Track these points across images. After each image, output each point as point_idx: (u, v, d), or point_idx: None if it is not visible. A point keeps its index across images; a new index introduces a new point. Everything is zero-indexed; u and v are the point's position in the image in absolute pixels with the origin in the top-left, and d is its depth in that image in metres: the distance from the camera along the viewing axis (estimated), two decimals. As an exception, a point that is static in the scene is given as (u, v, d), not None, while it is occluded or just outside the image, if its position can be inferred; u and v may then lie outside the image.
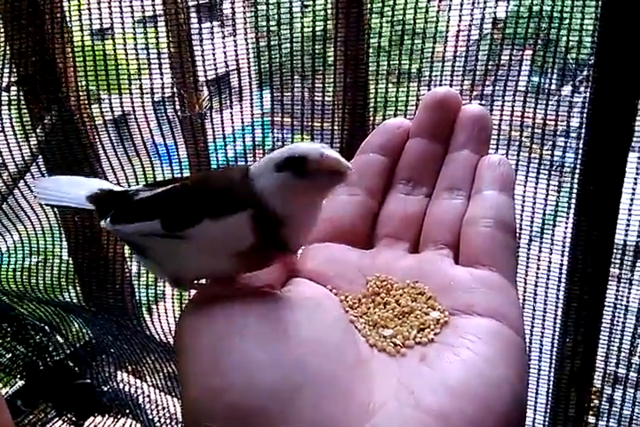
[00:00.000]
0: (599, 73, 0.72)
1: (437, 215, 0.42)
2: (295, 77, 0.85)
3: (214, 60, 0.85)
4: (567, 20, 0.72)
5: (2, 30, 0.83)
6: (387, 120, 0.46)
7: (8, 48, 0.84)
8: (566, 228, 0.80)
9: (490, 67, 0.78)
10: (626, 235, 0.78)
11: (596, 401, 0.89)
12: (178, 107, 0.89)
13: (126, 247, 1.03)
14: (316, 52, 0.83)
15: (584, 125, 0.75)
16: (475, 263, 0.39)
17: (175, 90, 0.87)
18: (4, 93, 0.87)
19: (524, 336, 0.37)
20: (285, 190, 0.36)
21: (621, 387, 0.87)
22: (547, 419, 0.90)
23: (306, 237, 0.39)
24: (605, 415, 0.88)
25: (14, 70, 0.86)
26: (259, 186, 0.36)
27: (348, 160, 0.45)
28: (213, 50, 0.85)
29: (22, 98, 0.89)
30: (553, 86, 0.77)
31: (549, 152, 0.80)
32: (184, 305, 0.41)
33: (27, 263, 1.04)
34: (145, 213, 0.39)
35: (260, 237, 0.36)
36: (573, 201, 0.78)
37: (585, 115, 0.75)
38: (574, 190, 0.78)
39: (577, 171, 0.77)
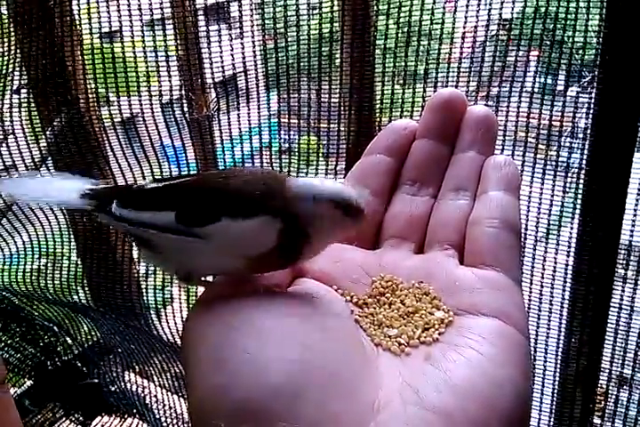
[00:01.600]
0: (604, 73, 0.72)
1: (443, 216, 0.42)
2: (302, 79, 0.85)
3: (222, 62, 0.85)
4: (573, 21, 0.72)
5: (12, 33, 0.84)
6: (393, 121, 0.47)
7: (18, 51, 0.84)
8: (572, 228, 0.80)
9: (496, 68, 0.78)
10: (631, 235, 0.77)
11: (602, 402, 0.88)
12: (186, 109, 0.89)
13: (134, 248, 1.03)
14: (323, 53, 0.83)
15: (590, 126, 0.75)
16: (479, 264, 0.39)
17: (183, 92, 0.88)
18: (14, 96, 0.87)
19: (529, 336, 0.37)
20: (330, 222, 0.38)
21: (627, 388, 0.86)
22: (552, 420, 0.90)
23: (319, 253, 0.40)
24: (611, 417, 0.88)
25: (24, 73, 0.87)
26: (301, 205, 0.37)
27: (355, 156, 0.46)
28: (221, 52, 0.85)
29: (32, 100, 0.90)
30: (559, 87, 0.77)
31: (555, 153, 0.80)
32: (193, 302, 0.42)
33: (36, 265, 1.04)
34: (158, 202, 0.39)
35: (280, 245, 0.36)
36: (579, 201, 0.78)
37: (591, 115, 0.75)
38: (580, 191, 0.78)
39: (583, 171, 0.77)
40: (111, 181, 0.94)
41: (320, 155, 0.93)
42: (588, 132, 0.75)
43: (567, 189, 0.80)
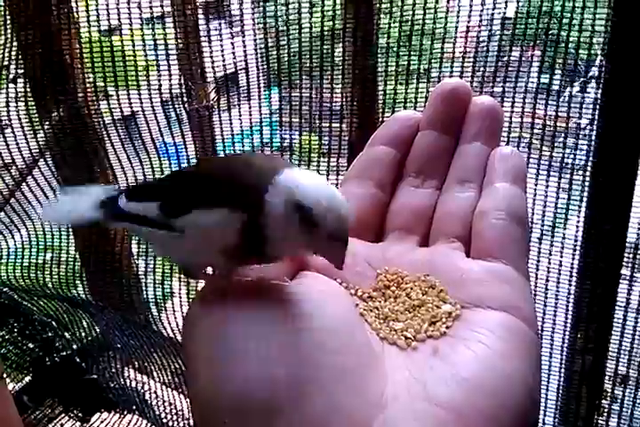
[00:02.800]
0: (610, 71, 0.72)
1: (448, 208, 0.42)
2: (303, 77, 0.85)
3: (223, 59, 0.85)
4: (577, 20, 0.72)
5: (9, 23, 0.83)
6: (397, 113, 0.46)
7: (15, 42, 0.84)
8: (578, 222, 0.80)
9: (499, 66, 0.78)
10: (638, 234, 0.77)
11: (607, 401, 0.88)
12: (185, 99, 0.89)
13: (134, 243, 1.03)
14: (324, 51, 0.83)
15: (595, 122, 0.75)
16: (486, 256, 0.38)
17: (182, 82, 0.87)
18: (10, 86, 0.87)
19: (537, 330, 0.37)
20: (284, 228, 0.35)
21: (633, 387, 0.86)
22: (557, 417, 0.89)
23: (284, 254, 0.37)
24: (616, 416, 0.88)
25: (21, 64, 0.86)
26: (266, 202, 0.34)
27: (357, 153, 0.45)
28: (222, 49, 0.85)
29: (29, 92, 0.89)
30: (562, 85, 0.77)
31: (560, 150, 0.80)
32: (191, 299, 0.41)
33: (35, 259, 1.04)
34: (150, 194, 0.39)
35: (243, 241, 0.35)
36: (586, 195, 0.78)
37: (596, 112, 0.74)
38: (586, 186, 0.78)
39: (588, 167, 0.77)
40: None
41: (320, 152, 0.93)
42: (593, 128, 0.75)
43: (572, 185, 0.79)
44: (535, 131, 0.79)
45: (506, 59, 0.77)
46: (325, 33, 0.82)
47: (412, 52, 0.80)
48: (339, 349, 0.33)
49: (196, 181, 0.38)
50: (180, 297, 1.04)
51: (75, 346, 1.02)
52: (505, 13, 0.75)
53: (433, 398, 0.31)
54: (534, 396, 0.33)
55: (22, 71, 0.87)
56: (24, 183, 0.96)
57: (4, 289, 1.03)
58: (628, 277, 0.81)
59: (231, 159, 0.47)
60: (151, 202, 0.37)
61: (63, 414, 1.03)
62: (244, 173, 0.36)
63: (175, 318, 1.03)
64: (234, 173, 0.37)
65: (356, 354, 0.33)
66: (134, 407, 1.04)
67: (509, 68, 0.78)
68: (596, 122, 0.75)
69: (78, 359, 1.00)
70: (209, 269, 0.40)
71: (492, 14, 0.75)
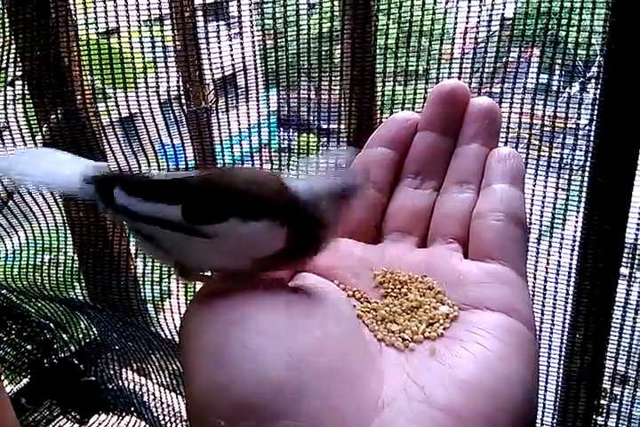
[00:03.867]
0: (609, 72, 0.72)
1: (446, 209, 0.42)
2: (302, 78, 0.85)
3: (221, 60, 0.85)
4: (576, 20, 0.72)
5: (7, 25, 0.83)
6: (395, 114, 0.46)
7: (13, 43, 0.84)
8: (577, 222, 0.80)
9: (497, 66, 0.78)
10: (637, 235, 0.77)
11: (606, 401, 0.88)
12: (184, 101, 0.89)
13: (132, 244, 1.03)
14: (323, 52, 0.83)
15: (594, 123, 0.75)
16: (484, 257, 0.38)
17: (181, 83, 0.87)
18: (8, 88, 0.86)
19: (535, 331, 0.37)
20: (334, 216, 0.37)
21: (632, 387, 0.86)
22: (555, 417, 0.89)
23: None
24: (615, 415, 0.88)
25: (19, 65, 0.86)
26: (307, 206, 0.36)
27: (355, 154, 0.45)
28: (220, 51, 0.85)
29: (28, 94, 0.89)
30: (561, 85, 0.77)
31: (558, 150, 0.80)
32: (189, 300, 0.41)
33: (32, 260, 1.04)
34: (165, 194, 0.37)
35: (289, 242, 0.36)
36: (584, 195, 0.78)
37: (595, 112, 0.74)
38: (584, 186, 0.78)
39: (587, 167, 0.77)
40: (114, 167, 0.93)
41: (319, 153, 0.93)
42: (592, 128, 0.75)
43: (571, 185, 0.79)
44: (534, 131, 0.79)
45: (504, 59, 0.77)
46: (324, 34, 0.82)
47: (410, 53, 0.79)
48: (336, 351, 0.33)
49: (216, 189, 0.37)
50: (178, 298, 1.04)
51: (73, 348, 1.02)
52: (503, 14, 0.75)
53: (431, 400, 0.31)
54: (532, 397, 0.33)
55: (20, 73, 0.87)
56: (22, 185, 0.96)
57: (2, 291, 1.02)
58: (626, 277, 0.81)
59: (229, 170, 0.48)
60: (170, 204, 0.36)
61: (61, 416, 1.03)
62: (263, 182, 0.38)
63: (173, 319, 1.03)
64: (254, 183, 0.37)
65: (352, 356, 0.33)
66: (132, 409, 1.04)
67: (508, 69, 0.77)
68: (594, 122, 0.75)
69: (76, 361, 1.00)
70: (207, 272, 0.40)
71: (491, 15, 0.75)
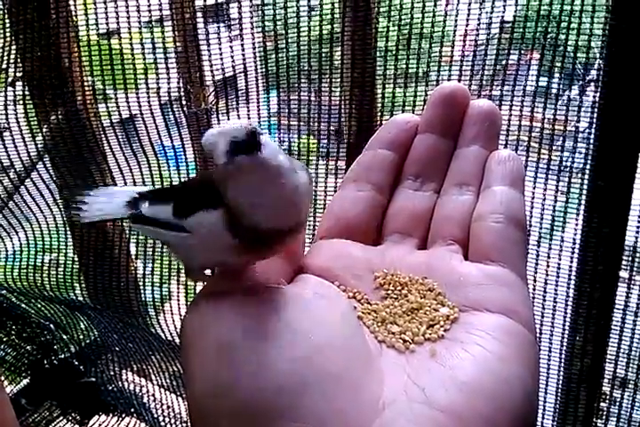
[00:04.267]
0: (609, 75, 0.72)
1: (446, 211, 0.42)
2: (302, 80, 0.85)
3: (221, 62, 0.85)
4: (575, 24, 0.72)
5: (7, 26, 0.83)
6: (395, 116, 0.46)
7: (14, 44, 0.84)
8: (577, 225, 0.80)
9: (497, 69, 0.78)
10: (637, 237, 0.77)
11: (606, 404, 0.88)
12: (184, 102, 0.89)
13: (132, 246, 1.03)
14: (323, 54, 0.83)
15: (593, 126, 0.75)
16: (484, 259, 0.38)
17: (181, 85, 0.87)
18: (9, 89, 0.86)
19: (536, 333, 0.37)
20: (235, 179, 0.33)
21: (631, 390, 0.86)
22: (555, 419, 0.89)
23: (272, 218, 0.35)
24: (615, 418, 0.88)
25: (20, 66, 0.86)
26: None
27: (356, 155, 0.45)
28: (221, 52, 0.85)
29: (28, 95, 0.89)
30: (561, 88, 0.77)
31: (558, 153, 0.80)
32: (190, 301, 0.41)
33: (33, 261, 1.04)
34: (164, 197, 0.40)
35: (237, 234, 0.35)
36: (584, 198, 0.78)
37: (594, 115, 0.74)
38: (584, 189, 0.78)
39: (587, 170, 0.77)
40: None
41: (319, 155, 0.93)
42: (593, 130, 0.75)
43: (571, 188, 0.80)
44: (533, 134, 0.79)
45: (504, 62, 0.77)
46: (324, 36, 0.82)
47: (410, 56, 0.80)
48: (336, 353, 0.33)
49: (201, 185, 0.38)
50: (179, 300, 1.04)
51: (73, 349, 1.02)
52: (503, 17, 0.75)
53: (431, 402, 0.31)
54: (532, 399, 0.33)
55: (21, 74, 0.87)
56: (22, 186, 0.96)
57: (2, 291, 1.02)
58: (626, 280, 0.81)
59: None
60: (165, 204, 0.38)
61: (61, 417, 1.02)
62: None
63: (173, 320, 1.03)
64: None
65: (353, 358, 0.33)
66: (132, 410, 1.04)
67: (508, 72, 0.78)
68: (594, 125, 0.75)
69: (76, 362, 1.00)
70: (207, 272, 0.40)
71: (491, 18, 0.75)
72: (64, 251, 1.04)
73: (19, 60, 0.85)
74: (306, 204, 0.36)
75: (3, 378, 0.90)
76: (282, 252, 0.38)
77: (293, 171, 0.34)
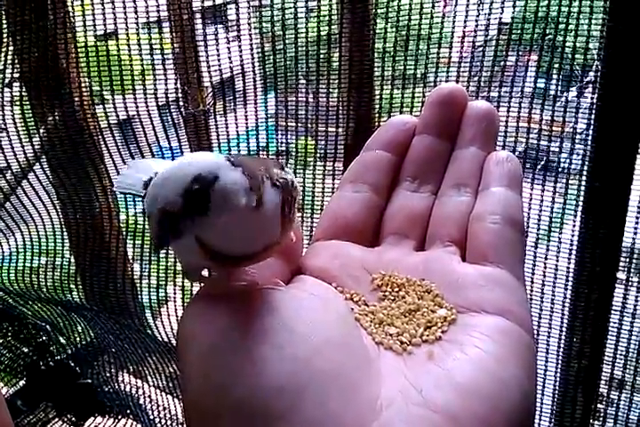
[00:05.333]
0: (606, 76, 0.72)
1: (444, 212, 0.42)
2: (300, 81, 0.85)
3: (219, 63, 0.85)
4: (573, 25, 0.72)
5: (5, 27, 0.83)
6: (392, 117, 0.46)
7: (11, 45, 0.84)
8: (574, 226, 0.80)
9: (495, 71, 0.78)
10: (634, 239, 0.77)
11: (603, 405, 0.88)
12: (182, 103, 0.89)
13: (129, 248, 1.03)
14: (321, 55, 0.83)
15: (591, 127, 0.75)
16: (482, 260, 0.38)
17: (179, 86, 0.87)
18: (6, 90, 0.86)
19: (533, 334, 0.37)
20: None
21: (628, 391, 0.86)
22: (552, 421, 0.89)
23: (235, 247, 0.34)
24: (612, 420, 0.88)
25: (17, 68, 0.86)
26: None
27: (353, 157, 0.45)
28: (218, 54, 0.85)
29: (25, 96, 0.89)
30: (558, 90, 0.77)
31: (556, 154, 0.80)
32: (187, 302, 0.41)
33: (29, 263, 1.04)
34: None
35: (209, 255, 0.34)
36: (581, 200, 0.78)
37: (592, 117, 0.75)
38: (582, 191, 0.78)
39: (584, 172, 0.77)
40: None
41: (316, 156, 0.92)
42: (591, 132, 0.75)
43: (568, 190, 0.80)
44: (531, 135, 0.79)
45: (502, 63, 0.77)
46: (322, 37, 0.82)
47: (408, 57, 0.80)
48: (333, 354, 0.33)
49: None
50: (175, 302, 1.04)
51: (69, 350, 1.02)
52: (501, 18, 0.75)
53: (429, 403, 0.30)
54: (530, 400, 0.33)
55: (18, 75, 0.87)
56: (19, 187, 0.96)
57: (-1, 293, 1.03)
58: (623, 282, 0.81)
59: None
60: None
61: (57, 419, 1.02)
62: None
63: (170, 322, 1.03)
64: None
65: (350, 359, 0.33)
66: (128, 412, 1.04)
67: (506, 73, 0.78)
68: (592, 127, 0.75)
69: (72, 363, 1.00)
70: (204, 272, 0.40)
71: (489, 19, 0.75)
72: (61, 253, 1.04)
73: (16, 61, 0.85)
74: (272, 228, 0.35)
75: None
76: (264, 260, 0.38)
77: (254, 204, 0.33)
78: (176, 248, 0.36)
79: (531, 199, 0.80)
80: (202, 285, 0.39)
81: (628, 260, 0.80)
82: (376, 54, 0.82)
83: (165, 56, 0.87)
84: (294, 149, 0.94)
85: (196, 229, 0.32)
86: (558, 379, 0.88)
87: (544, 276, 0.83)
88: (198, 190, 0.30)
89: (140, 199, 0.42)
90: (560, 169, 0.80)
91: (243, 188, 0.32)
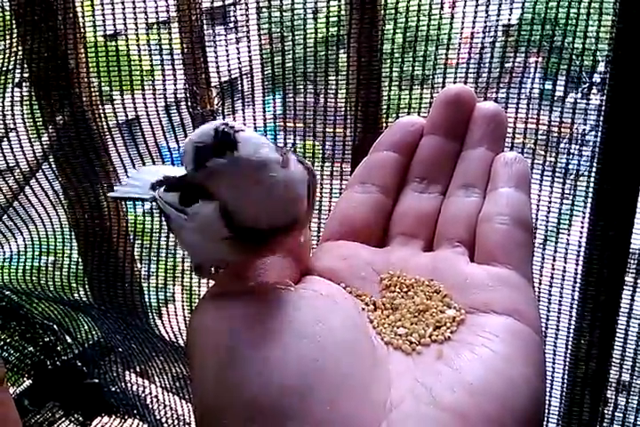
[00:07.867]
0: (614, 78, 0.72)
1: (452, 213, 0.42)
2: (308, 82, 0.85)
3: (227, 64, 0.85)
4: (581, 27, 0.72)
5: (14, 28, 0.83)
6: (400, 118, 0.46)
7: (20, 46, 0.84)
8: (582, 228, 0.80)
9: (502, 72, 0.78)
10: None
11: (609, 408, 0.88)
12: (189, 104, 0.89)
13: (136, 248, 1.03)
14: (329, 57, 0.83)
15: (598, 129, 0.75)
16: (491, 261, 0.38)
17: (186, 86, 0.88)
18: (15, 90, 0.87)
19: (542, 333, 0.37)
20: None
21: (636, 394, 0.86)
22: (560, 422, 0.89)
23: (261, 217, 0.34)
24: (619, 423, 0.87)
25: (26, 68, 0.86)
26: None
27: (361, 158, 0.45)
28: (226, 54, 0.85)
29: (34, 96, 0.90)
30: (566, 91, 0.77)
31: (563, 156, 0.80)
32: (195, 302, 0.41)
33: (37, 263, 1.04)
34: (175, 188, 0.40)
35: (231, 229, 0.34)
36: (589, 202, 0.78)
37: (600, 118, 0.74)
38: (589, 192, 0.78)
39: (592, 173, 0.77)
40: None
41: (323, 157, 0.92)
42: (598, 133, 0.75)
43: (576, 191, 0.79)
44: (539, 137, 0.79)
45: (509, 65, 0.77)
46: (329, 39, 0.82)
47: (415, 58, 0.80)
48: (343, 354, 0.33)
49: None
50: (183, 301, 1.04)
51: (76, 350, 1.02)
52: (509, 20, 0.75)
53: (438, 403, 0.30)
54: (539, 399, 0.33)
55: (27, 75, 0.88)
56: (27, 187, 0.96)
57: (6, 292, 1.03)
58: (631, 284, 0.81)
59: None
60: (174, 193, 0.39)
61: (64, 418, 1.03)
62: None
63: (177, 322, 1.03)
64: None
65: (360, 359, 0.33)
66: (135, 412, 1.04)
67: (513, 75, 0.78)
68: (599, 128, 0.75)
69: (79, 363, 1.00)
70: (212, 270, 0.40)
71: (496, 21, 0.75)
72: (68, 252, 1.04)
73: (25, 61, 0.86)
74: (299, 199, 0.35)
75: (6, 379, 0.90)
76: (282, 250, 0.38)
77: (282, 164, 0.34)
78: (196, 223, 0.36)
79: (539, 201, 0.80)
80: (210, 282, 0.39)
81: (636, 263, 0.80)
82: (383, 55, 0.82)
83: (173, 56, 0.87)
84: (301, 150, 0.94)
85: (223, 191, 0.33)
86: (565, 381, 0.87)
87: (552, 277, 0.83)
88: (226, 132, 0.32)
89: (140, 203, 0.44)
90: (568, 171, 0.80)
91: (267, 144, 0.34)
